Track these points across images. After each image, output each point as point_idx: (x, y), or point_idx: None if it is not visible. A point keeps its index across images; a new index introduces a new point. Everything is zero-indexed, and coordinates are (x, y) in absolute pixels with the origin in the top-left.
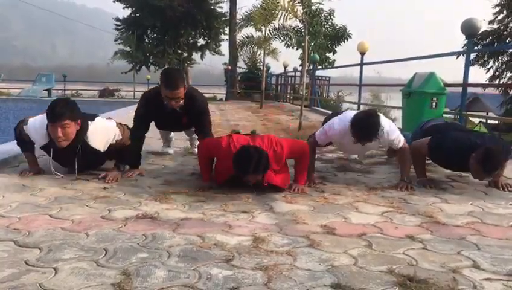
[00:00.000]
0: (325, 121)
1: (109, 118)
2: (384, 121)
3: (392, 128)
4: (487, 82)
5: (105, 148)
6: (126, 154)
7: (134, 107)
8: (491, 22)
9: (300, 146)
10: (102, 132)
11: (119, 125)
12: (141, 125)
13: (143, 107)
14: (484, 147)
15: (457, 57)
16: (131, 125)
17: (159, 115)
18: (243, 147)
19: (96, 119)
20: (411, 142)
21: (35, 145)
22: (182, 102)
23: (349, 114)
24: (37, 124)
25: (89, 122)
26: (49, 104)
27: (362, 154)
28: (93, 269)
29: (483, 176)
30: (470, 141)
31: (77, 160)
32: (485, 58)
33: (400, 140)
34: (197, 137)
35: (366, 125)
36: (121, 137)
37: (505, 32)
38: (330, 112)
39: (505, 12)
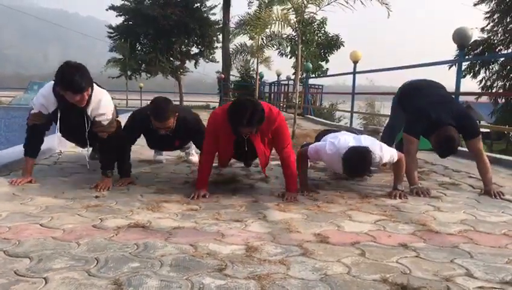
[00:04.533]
0: (317, 137)
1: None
2: (374, 146)
3: (383, 152)
4: (479, 91)
5: (91, 116)
6: (109, 152)
7: (127, 115)
8: (483, 30)
9: (289, 139)
10: (100, 100)
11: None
12: (129, 138)
13: (129, 130)
14: (443, 134)
15: (450, 67)
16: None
17: (150, 136)
18: (238, 99)
19: (104, 91)
20: (392, 117)
21: (48, 111)
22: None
23: (343, 141)
24: (45, 92)
25: (96, 87)
26: (63, 72)
27: None
28: (84, 278)
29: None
30: (437, 120)
31: (87, 126)
32: (477, 68)
33: (393, 157)
34: (190, 147)
35: (356, 165)
36: (106, 122)
37: (495, 41)
38: (323, 120)
39: (496, 19)
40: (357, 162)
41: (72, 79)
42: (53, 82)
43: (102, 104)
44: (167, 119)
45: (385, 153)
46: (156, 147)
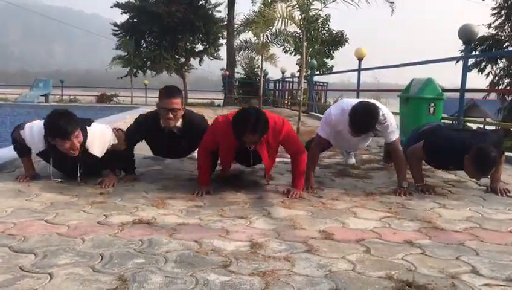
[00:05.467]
0: None
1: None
2: (382, 107)
3: (389, 115)
4: (487, 88)
5: (103, 154)
6: (122, 159)
7: (132, 112)
8: (489, 26)
9: (299, 142)
10: (100, 138)
11: (114, 130)
12: (132, 141)
13: (133, 132)
14: (476, 147)
15: (457, 62)
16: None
17: (156, 140)
18: (242, 108)
19: (93, 125)
20: (406, 144)
21: (32, 151)
22: (179, 123)
23: (345, 101)
24: (34, 130)
25: (87, 128)
26: (49, 119)
27: (360, 146)
28: (89, 274)
29: (479, 177)
30: (462, 141)
31: (79, 166)
32: (484, 64)
33: (394, 131)
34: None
35: (363, 119)
36: (116, 141)
37: (502, 37)
38: None
39: (503, 16)
40: (364, 114)
41: (57, 125)
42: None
43: (103, 142)
44: (175, 97)
45: (389, 118)
46: (162, 152)
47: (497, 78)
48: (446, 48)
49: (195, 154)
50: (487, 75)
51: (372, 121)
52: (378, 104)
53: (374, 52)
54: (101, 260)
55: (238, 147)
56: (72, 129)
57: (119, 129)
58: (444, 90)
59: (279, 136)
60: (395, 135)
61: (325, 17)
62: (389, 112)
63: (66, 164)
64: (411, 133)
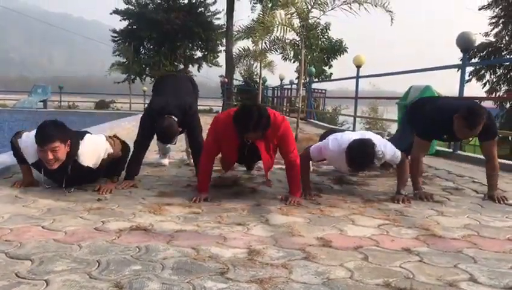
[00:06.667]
0: (322, 137)
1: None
2: (378, 142)
3: (387, 149)
4: (485, 96)
5: (98, 164)
6: (120, 165)
7: (130, 119)
8: (487, 34)
9: (293, 143)
10: (93, 150)
11: (109, 138)
12: (146, 134)
13: (148, 119)
14: (466, 105)
15: (458, 69)
16: (132, 135)
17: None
18: (244, 105)
19: (86, 137)
20: (401, 131)
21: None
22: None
23: (346, 136)
24: (28, 142)
25: (80, 141)
26: (38, 126)
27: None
28: (85, 281)
29: (467, 132)
30: (451, 106)
31: (65, 179)
32: (482, 72)
33: (397, 156)
34: None
35: (360, 156)
36: (111, 151)
37: (501, 45)
38: (325, 124)
39: (501, 25)
40: (360, 153)
41: (37, 133)
42: None
43: (97, 153)
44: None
45: (388, 150)
46: (162, 139)
47: (494, 85)
48: (444, 49)
49: (192, 161)
50: (484, 84)
51: (368, 159)
52: (373, 137)
53: (372, 58)
54: (98, 266)
55: (240, 144)
56: (49, 140)
57: (115, 136)
58: None
59: (277, 131)
60: (398, 158)
61: (324, 25)
62: (386, 144)
63: (54, 173)
64: (402, 120)
